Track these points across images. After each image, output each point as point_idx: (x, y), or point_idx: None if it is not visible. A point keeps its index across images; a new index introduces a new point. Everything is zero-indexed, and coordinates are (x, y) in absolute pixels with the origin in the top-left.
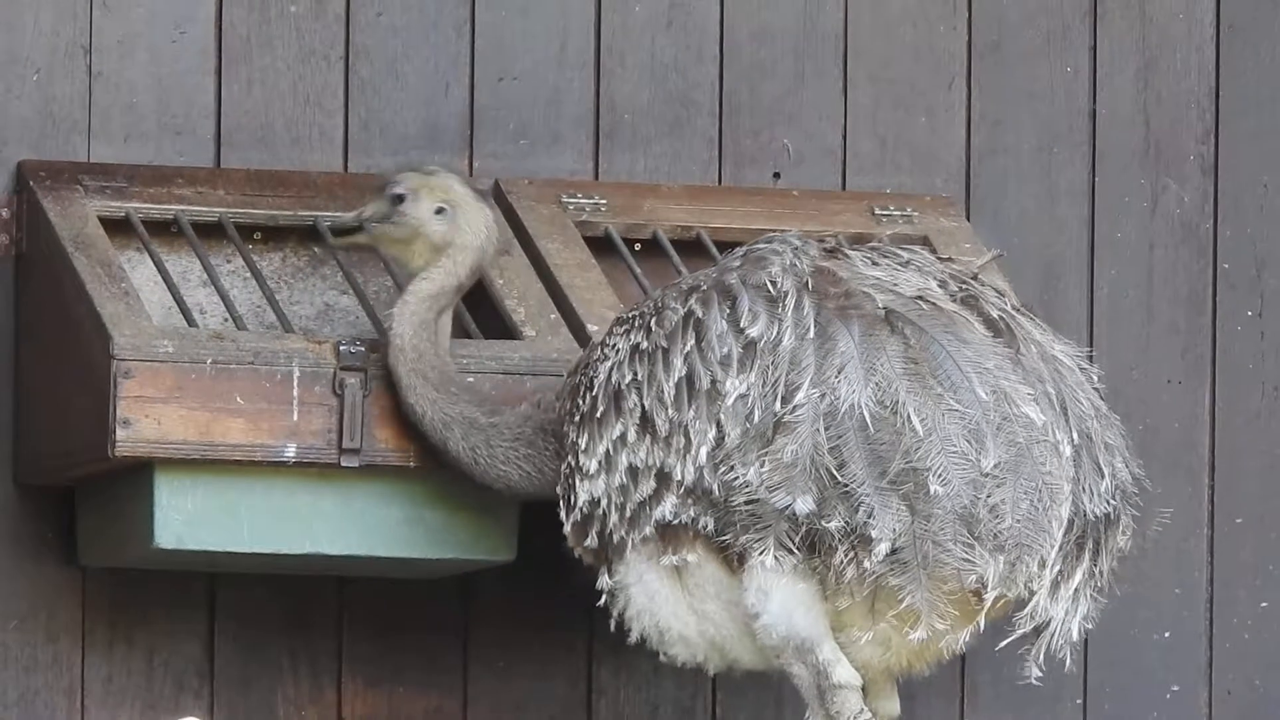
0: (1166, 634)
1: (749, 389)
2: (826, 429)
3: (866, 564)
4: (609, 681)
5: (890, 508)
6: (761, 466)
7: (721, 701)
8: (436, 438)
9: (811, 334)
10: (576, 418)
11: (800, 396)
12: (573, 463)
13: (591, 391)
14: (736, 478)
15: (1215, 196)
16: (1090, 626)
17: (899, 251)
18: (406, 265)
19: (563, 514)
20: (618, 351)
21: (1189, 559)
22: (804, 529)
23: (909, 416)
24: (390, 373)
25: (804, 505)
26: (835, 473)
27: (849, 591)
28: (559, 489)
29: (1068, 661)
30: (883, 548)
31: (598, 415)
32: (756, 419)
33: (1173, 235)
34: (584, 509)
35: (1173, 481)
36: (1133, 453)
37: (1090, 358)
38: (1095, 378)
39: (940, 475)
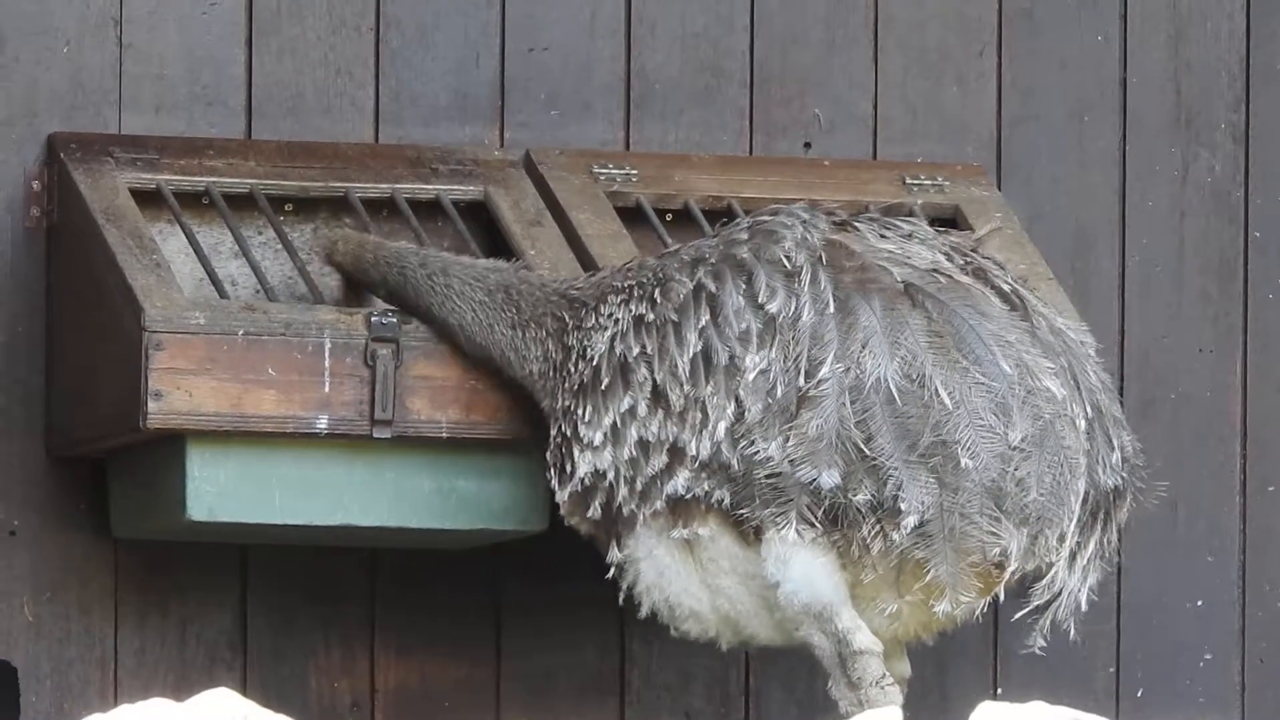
0: (1199, 602)
1: (770, 364)
2: (852, 403)
3: (895, 537)
4: (641, 651)
5: (919, 481)
6: (785, 441)
7: (755, 670)
8: (394, 276)
9: (831, 308)
10: (572, 385)
11: (825, 371)
12: (569, 431)
13: (586, 359)
14: (757, 452)
15: (1246, 164)
16: (1095, 598)
17: (900, 224)
18: None
19: (555, 482)
20: (618, 323)
21: (1221, 527)
22: (827, 502)
23: (937, 390)
24: (350, 277)
25: (830, 479)
26: (863, 446)
27: (873, 565)
28: (550, 454)
29: (1072, 633)
30: (911, 520)
31: (603, 387)
32: (779, 394)
33: (1204, 203)
34: (586, 480)
35: (1204, 450)
36: (1130, 426)
37: (1120, 325)
38: (1094, 351)
39: (969, 449)
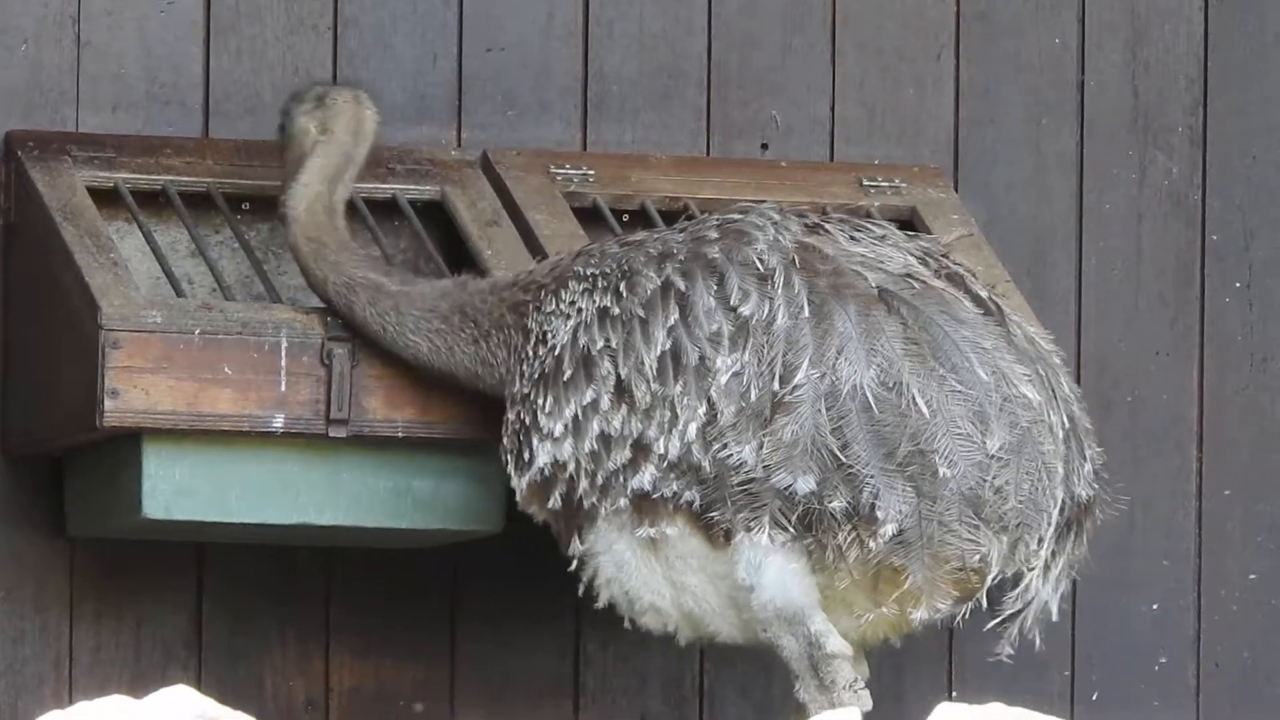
0: (1155, 606)
1: (743, 367)
2: (828, 409)
3: (871, 544)
4: (596, 653)
5: (896, 489)
6: (760, 446)
7: (709, 673)
8: (341, 304)
9: (806, 313)
10: (533, 373)
11: (800, 376)
12: (527, 419)
13: (547, 346)
14: (730, 455)
15: (1203, 168)
16: (1065, 607)
17: (871, 226)
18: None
19: (511, 468)
20: (581, 312)
21: (1177, 531)
22: (801, 508)
23: (914, 398)
24: (292, 252)
25: (805, 485)
26: (839, 453)
27: (848, 571)
28: (507, 439)
29: (1037, 642)
30: (889, 529)
31: (564, 378)
32: (753, 398)
33: (1161, 206)
34: (545, 470)
35: (1161, 453)
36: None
37: (1077, 328)
38: (1061, 360)
39: (947, 458)
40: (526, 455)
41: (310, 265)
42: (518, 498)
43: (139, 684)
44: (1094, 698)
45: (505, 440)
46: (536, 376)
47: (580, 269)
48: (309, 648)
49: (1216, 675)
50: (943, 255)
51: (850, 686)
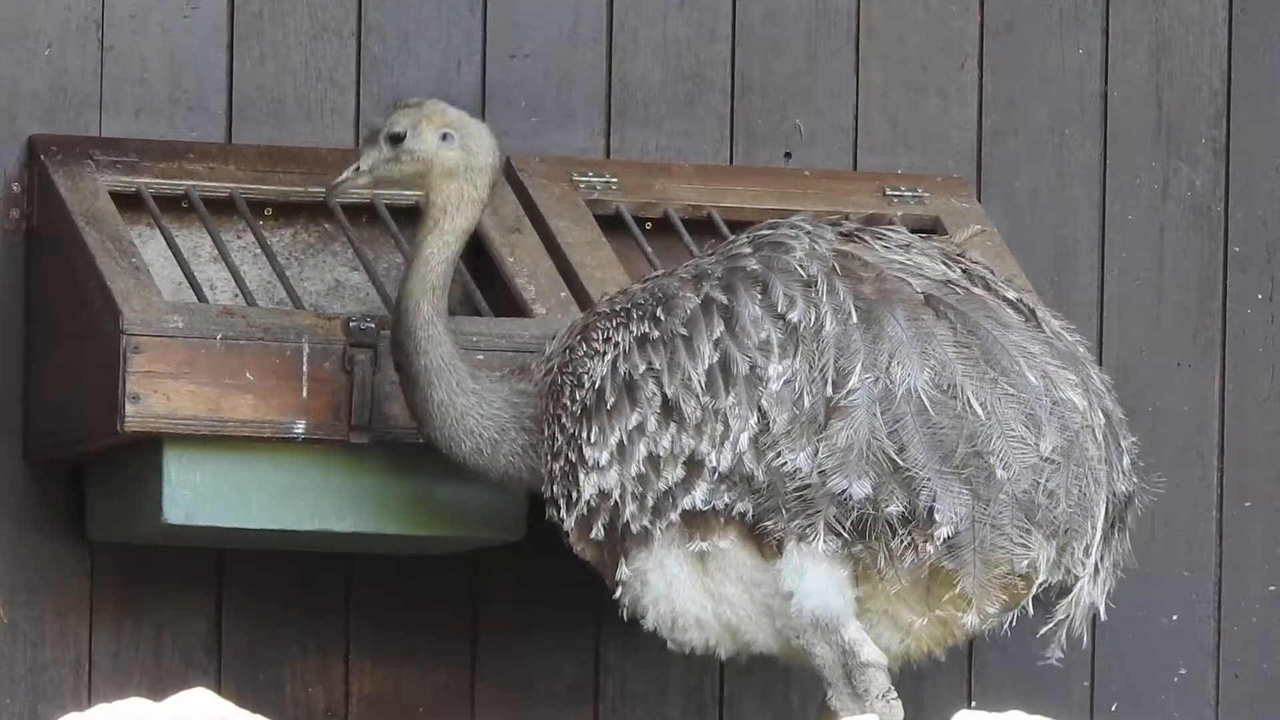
0: (1175, 616)
1: (794, 374)
2: (883, 413)
3: (928, 549)
4: (617, 660)
5: (953, 492)
6: (815, 452)
7: (729, 680)
8: (423, 380)
9: (854, 319)
10: (575, 413)
11: (854, 381)
12: (573, 457)
13: (584, 388)
14: (785, 463)
15: (1226, 179)
16: (1114, 605)
17: (889, 233)
18: (426, 196)
19: (563, 512)
20: (616, 346)
21: (1198, 542)
22: (855, 513)
23: (969, 400)
24: (405, 295)
25: (861, 489)
26: (895, 457)
27: (896, 577)
28: (556, 488)
29: (1084, 640)
30: (945, 531)
31: (608, 407)
32: (806, 404)
33: (1184, 218)
34: (591, 502)
35: (1182, 464)
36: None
37: (1099, 339)
38: (1086, 349)
39: (1003, 459)
40: (574, 494)
41: (413, 324)
42: (571, 540)
43: (158, 689)
44: (1113, 708)
45: (554, 490)
46: (579, 414)
47: (605, 309)
48: (329, 654)
49: (1236, 686)
50: (959, 255)
51: (884, 696)
